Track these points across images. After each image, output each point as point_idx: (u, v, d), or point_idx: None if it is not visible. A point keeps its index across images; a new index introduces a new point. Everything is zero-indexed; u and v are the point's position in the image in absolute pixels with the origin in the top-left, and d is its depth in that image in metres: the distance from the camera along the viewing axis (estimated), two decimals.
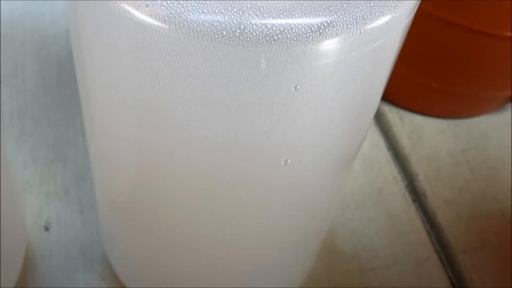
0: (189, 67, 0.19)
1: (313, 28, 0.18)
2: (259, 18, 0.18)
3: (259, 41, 0.18)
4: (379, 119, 0.47)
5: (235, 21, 0.18)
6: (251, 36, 0.18)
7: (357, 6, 0.19)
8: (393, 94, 0.47)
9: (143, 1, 0.18)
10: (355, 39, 0.19)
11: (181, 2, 0.18)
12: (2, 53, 0.45)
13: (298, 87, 0.20)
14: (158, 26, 0.18)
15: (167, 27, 0.18)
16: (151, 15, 0.18)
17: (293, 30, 0.18)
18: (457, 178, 0.44)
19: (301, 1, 0.18)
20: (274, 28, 0.18)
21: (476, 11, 0.37)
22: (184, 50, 0.18)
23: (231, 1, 0.18)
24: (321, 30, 0.18)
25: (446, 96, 0.45)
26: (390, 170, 0.44)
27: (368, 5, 0.19)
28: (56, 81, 0.44)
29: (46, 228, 0.38)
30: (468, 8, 0.37)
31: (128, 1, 0.18)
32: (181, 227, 0.27)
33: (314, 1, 0.18)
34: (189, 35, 0.18)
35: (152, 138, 0.23)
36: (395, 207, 0.42)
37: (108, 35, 0.20)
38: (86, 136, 0.28)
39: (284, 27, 0.18)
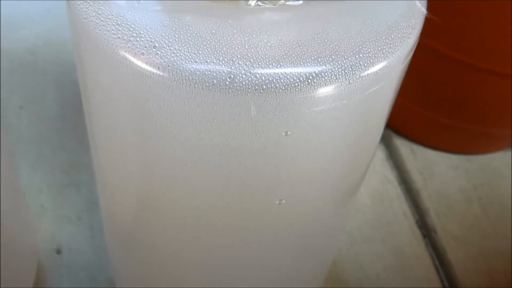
0: (183, 112, 0.20)
1: (301, 78, 0.19)
2: (248, 67, 0.18)
3: (249, 90, 0.19)
4: (392, 152, 0.47)
5: (225, 71, 0.18)
6: (241, 85, 0.18)
7: (346, 56, 0.19)
8: (406, 128, 0.47)
9: (139, 49, 0.19)
10: (344, 89, 0.19)
11: (175, 51, 0.19)
12: (24, 80, 0.46)
13: (289, 132, 0.20)
14: (153, 73, 0.19)
15: (162, 74, 0.19)
16: (146, 63, 0.19)
17: (282, 80, 0.19)
18: (468, 214, 0.44)
19: (292, 52, 0.19)
20: (263, 78, 0.19)
21: (487, 51, 0.37)
22: (177, 96, 0.19)
23: (222, 51, 0.19)
24: (309, 80, 0.19)
25: (458, 132, 0.45)
26: (400, 205, 0.44)
27: (357, 56, 0.19)
28: (74, 108, 0.45)
29: (58, 251, 0.39)
30: (479, 48, 0.37)
31: (126, 49, 0.19)
32: (180, 258, 0.28)
33: (304, 51, 0.19)
34: (182, 82, 0.19)
35: (152, 172, 0.24)
36: (404, 242, 0.42)
37: (108, 79, 0.21)
38: (93, 164, 0.29)
39: (272, 77, 0.19)
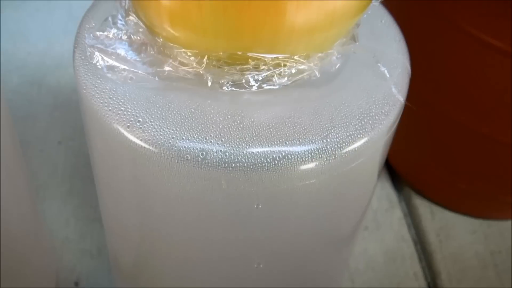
0: (162, 180, 0.21)
1: (268, 159, 0.20)
2: (220, 146, 0.20)
3: (219, 167, 0.20)
4: (410, 211, 0.47)
5: (198, 148, 0.20)
6: (212, 161, 0.20)
7: (313, 140, 0.21)
8: (426, 189, 0.47)
9: (126, 122, 0.21)
10: (311, 170, 0.21)
11: (156, 126, 0.21)
12: (66, 116, 0.50)
13: (260, 205, 0.22)
14: (137, 144, 0.21)
15: (144, 146, 0.21)
16: (131, 135, 0.21)
17: (249, 160, 0.20)
18: (482, 281, 0.44)
19: (262, 133, 0.20)
20: (233, 157, 0.20)
21: (504, 122, 0.38)
22: (157, 166, 0.21)
23: (198, 129, 0.20)
24: (276, 161, 0.20)
25: (478, 197, 0.45)
26: (412, 265, 0.44)
27: (324, 140, 0.21)
28: None
29: (76, 284, 0.41)
30: (497, 120, 0.38)
31: (115, 121, 0.21)
32: None
33: (274, 133, 0.21)
34: (160, 155, 0.21)
35: (146, 228, 0.25)
36: None
37: (102, 143, 0.23)
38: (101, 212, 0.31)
39: (241, 156, 0.20)
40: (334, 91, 0.22)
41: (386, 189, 0.48)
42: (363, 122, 0.21)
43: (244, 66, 0.20)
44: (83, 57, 0.23)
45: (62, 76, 0.53)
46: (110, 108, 0.21)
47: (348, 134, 0.21)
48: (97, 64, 0.21)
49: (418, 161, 0.46)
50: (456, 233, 0.46)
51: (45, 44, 0.55)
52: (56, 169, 0.47)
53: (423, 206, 0.48)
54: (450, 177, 0.44)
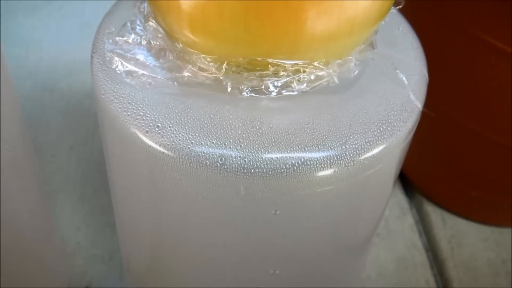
0: (181, 185, 0.21)
1: (287, 165, 0.20)
2: (239, 152, 0.20)
3: (238, 172, 0.20)
4: (422, 218, 0.47)
5: (217, 153, 0.20)
6: (231, 167, 0.20)
7: (332, 146, 0.21)
8: (438, 196, 0.47)
9: (144, 127, 0.21)
10: (330, 176, 0.21)
11: (175, 132, 0.21)
12: (78, 122, 0.50)
13: (278, 211, 0.22)
14: (155, 149, 0.21)
15: (162, 151, 0.21)
16: (150, 140, 0.21)
17: (268, 166, 0.20)
18: None
19: (280, 139, 0.21)
20: (251, 163, 0.20)
21: None
22: (176, 171, 0.21)
23: (217, 135, 0.20)
24: (294, 167, 0.20)
25: (490, 205, 0.45)
26: (424, 273, 0.44)
27: (343, 147, 0.21)
28: None
29: None
30: (507, 127, 0.37)
31: (134, 126, 0.21)
32: None
33: (292, 139, 0.21)
34: (179, 160, 0.21)
35: (161, 231, 0.26)
36: None
37: (120, 148, 0.23)
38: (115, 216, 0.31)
39: (260, 162, 0.20)
40: (353, 97, 0.22)
41: (398, 196, 0.48)
42: (381, 129, 0.21)
43: (264, 72, 0.20)
44: (101, 62, 0.23)
45: (74, 81, 0.53)
46: (128, 113, 0.21)
47: (366, 140, 0.21)
48: (116, 69, 0.22)
49: (429, 168, 0.46)
50: (467, 240, 0.46)
51: (58, 50, 0.56)
52: (68, 174, 0.47)
53: (434, 213, 0.47)
54: (462, 184, 0.44)
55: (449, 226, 0.47)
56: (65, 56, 0.55)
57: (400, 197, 0.48)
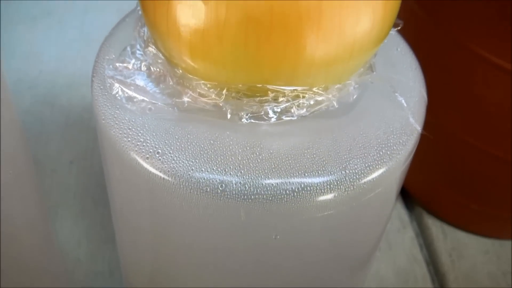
0: (181, 211, 0.21)
1: (287, 191, 0.20)
2: (239, 178, 0.20)
3: (238, 198, 0.20)
4: (422, 232, 0.47)
5: (218, 179, 0.20)
6: (231, 193, 0.20)
7: (332, 172, 0.21)
8: (438, 209, 0.47)
9: (145, 153, 0.21)
10: (330, 200, 0.21)
11: (175, 158, 0.21)
12: (78, 136, 0.50)
13: (278, 236, 0.22)
14: (155, 175, 0.21)
15: (163, 177, 0.21)
16: (150, 166, 0.21)
17: (268, 191, 0.20)
18: None
19: (281, 165, 0.21)
20: (252, 189, 0.20)
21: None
22: (176, 197, 0.21)
23: (217, 161, 0.20)
24: (294, 193, 0.20)
25: (490, 218, 0.45)
26: (425, 286, 0.44)
27: (343, 172, 0.21)
28: None
29: None
30: (505, 141, 0.38)
31: (134, 151, 0.21)
32: None
33: (292, 164, 0.21)
34: (179, 186, 0.21)
35: (167, 258, 0.26)
36: None
37: (119, 172, 0.23)
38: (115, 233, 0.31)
39: (260, 188, 0.20)
40: (352, 121, 0.22)
41: (398, 209, 0.48)
42: (381, 153, 0.22)
43: (263, 98, 0.20)
44: (101, 87, 0.23)
45: (74, 95, 0.53)
46: (129, 139, 0.21)
47: (366, 165, 0.21)
48: (117, 95, 0.22)
49: (430, 181, 0.46)
50: (468, 253, 0.46)
51: (57, 63, 0.56)
52: (68, 189, 0.47)
53: (435, 226, 0.47)
54: (462, 197, 0.44)
55: (449, 239, 0.47)
56: (64, 69, 0.55)
57: (400, 210, 0.48)
